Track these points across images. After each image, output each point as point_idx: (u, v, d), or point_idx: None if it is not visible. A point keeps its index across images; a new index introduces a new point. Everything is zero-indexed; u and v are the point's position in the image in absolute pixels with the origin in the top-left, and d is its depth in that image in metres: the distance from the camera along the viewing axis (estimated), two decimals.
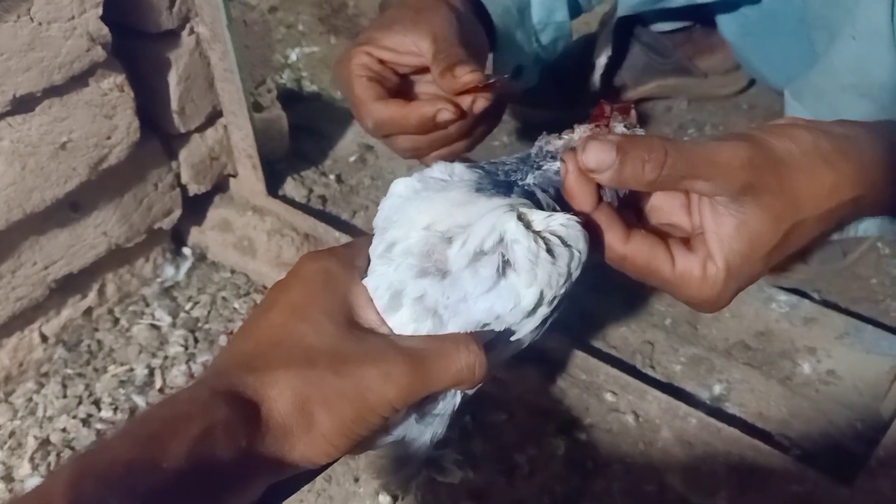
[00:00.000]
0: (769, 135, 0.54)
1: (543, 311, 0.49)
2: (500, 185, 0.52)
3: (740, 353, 1.02)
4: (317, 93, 1.54)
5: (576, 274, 0.50)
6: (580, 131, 0.55)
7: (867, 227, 0.97)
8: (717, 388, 0.97)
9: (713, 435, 0.89)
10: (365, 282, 0.49)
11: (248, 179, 1.20)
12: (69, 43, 0.88)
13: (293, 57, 1.63)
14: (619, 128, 0.55)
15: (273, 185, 1.22)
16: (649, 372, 1.00)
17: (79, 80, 0.92)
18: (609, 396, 0.95)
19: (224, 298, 1.14)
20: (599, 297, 1.09)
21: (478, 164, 0.54)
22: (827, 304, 1.08)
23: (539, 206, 0.52)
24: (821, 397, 0.97)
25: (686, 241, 0.54)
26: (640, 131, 0.55)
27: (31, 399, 1.02)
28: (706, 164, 0.51)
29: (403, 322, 0.48)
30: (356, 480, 0.91)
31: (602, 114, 0.56)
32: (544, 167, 0.55)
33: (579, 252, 0.49)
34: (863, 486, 0.82)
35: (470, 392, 0.52)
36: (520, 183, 0.53)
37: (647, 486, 0.89)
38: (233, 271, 1.18)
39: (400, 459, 0.54)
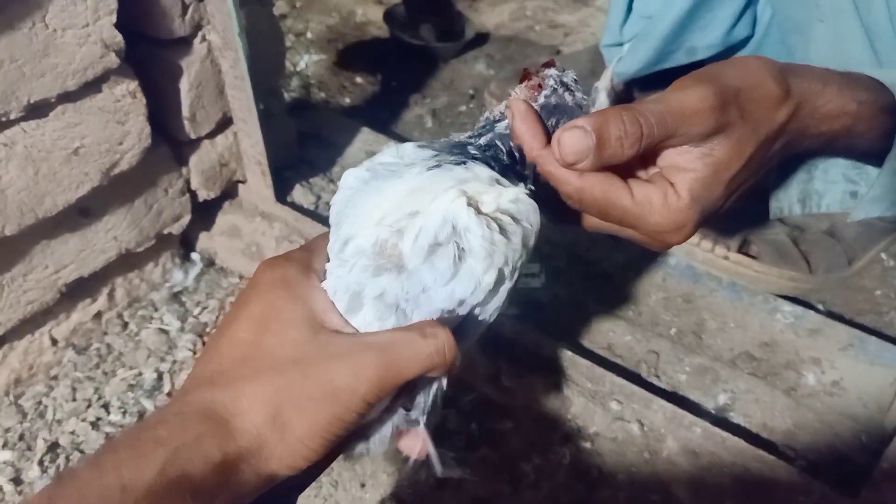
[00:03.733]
0: (723, 68, 0.54)
1: (507, 285, 0.50)
2: (453, 152, 0.52)
3: (745, 364, 1.02)
4: (325, 100, 1.55)
5: (532, 244, 0.50)
6: (517, 92, 0.56)
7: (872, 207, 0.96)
8: (722, 398, 0.97)
9: (718, 445, 0.89)
10: (324, 285, 0.49)
11: (257, 186, 1.20)
12: (83, 49, 0.89)
13: (302, 65, 1.64)
14: (567, 96, 0.56)
15: (281, 192, 1.23)
16: (654, 381, 1.00)
17: (92, 87, 0.93)
18: (614, 405, 0.96)
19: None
20: (605, 306, 1.09)
21: (429, 143, 0.54)
22: (832, 315, 1.08)
23: (496, 160, 0.52)
24: (825, 408, 0.97)
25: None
26: (581, 96, 0.56)
27: (40, 402, 1.03)
28: (679, 122, 0.51)
29: (367, 321, 0.48)
30: (362, 486, 0.92)
31: (528, 75, 0.57)
32: (495, 129, 0.56)
33: (531, 225, 0.50)
34: (867, 497, 0.82)
35: (444, 382, 0.51)
36: (473, 144, 0.54)
37: (651, 496, 0.90)
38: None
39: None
